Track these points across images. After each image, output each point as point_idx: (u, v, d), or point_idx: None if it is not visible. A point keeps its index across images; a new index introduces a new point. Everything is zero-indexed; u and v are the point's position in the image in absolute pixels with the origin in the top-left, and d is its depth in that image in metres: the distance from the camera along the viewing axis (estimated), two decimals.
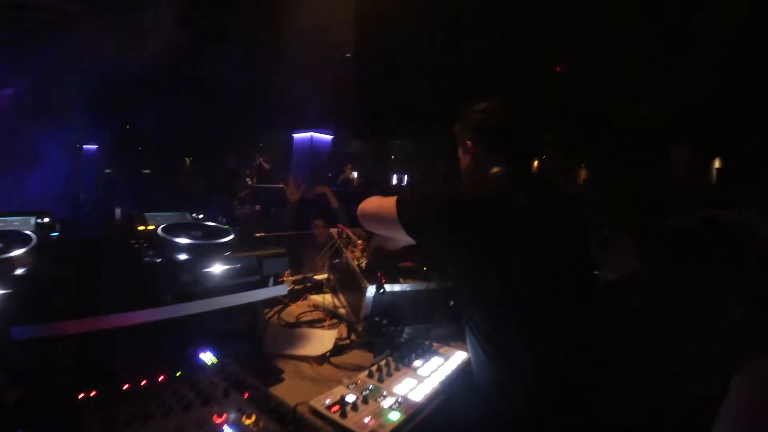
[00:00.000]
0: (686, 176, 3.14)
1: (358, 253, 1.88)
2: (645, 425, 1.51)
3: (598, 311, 1.48)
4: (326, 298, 2.04)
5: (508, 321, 1.28)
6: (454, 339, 1.69)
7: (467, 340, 1.41)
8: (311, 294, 2.16)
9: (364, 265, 1.80)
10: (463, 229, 1.29)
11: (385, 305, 1.65)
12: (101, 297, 1.13)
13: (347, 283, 1.86)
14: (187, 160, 13.50)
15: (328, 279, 2.20)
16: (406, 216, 1.39)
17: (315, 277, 2.31)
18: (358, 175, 13.48)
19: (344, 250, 1.92)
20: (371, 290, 1.59)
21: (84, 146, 11.76)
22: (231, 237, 1.52)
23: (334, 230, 2.10)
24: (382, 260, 1.76)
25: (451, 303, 1.72)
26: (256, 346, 1.50)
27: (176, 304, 1.22)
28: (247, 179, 10.37)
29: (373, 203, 1.58)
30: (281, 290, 1.49)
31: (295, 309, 2.06)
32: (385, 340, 1.58)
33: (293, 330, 1.78)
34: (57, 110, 8.17)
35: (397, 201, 1.42)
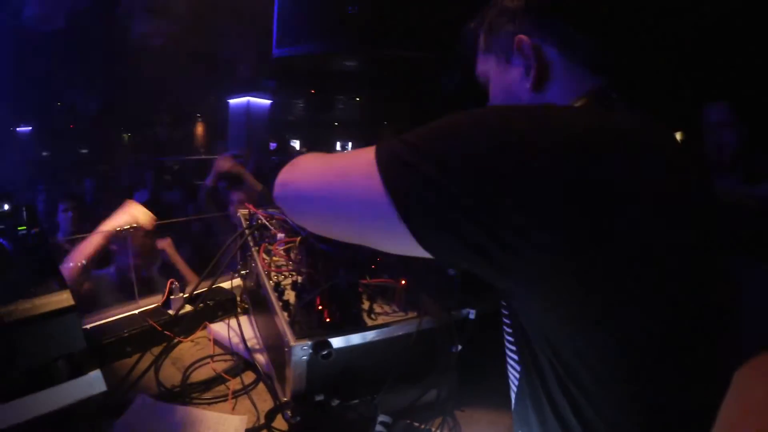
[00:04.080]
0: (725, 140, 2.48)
1: (278, 259, 1.03)
2: None
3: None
4: (234, 326, 1.17)
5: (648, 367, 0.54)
6: (470, 404, 0.96)
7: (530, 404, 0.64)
8: (215, 319, 1.30)
9: (290, 283, 0.96)
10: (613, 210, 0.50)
11: (339, 368, 0.82)
12: None
13: (263, 312, 1.02)
14: (125, 136, 12.25)
15: (242, 291, 1.34)
16: (416, 196, 0.52)
17: (224, 285, 1.42)
18: (300, 144, 12.60)
19: (254, 252, 1.06)
20: (301, 353, 0.75)
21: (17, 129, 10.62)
22: None
23: (242, 212, 1.24)
24: (324, 273, 0.92)
25: (458, 347, 0.92)
26: None
27: None
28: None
29: (314, 167, 0.70)
30: (76, 390, 0.60)
31: (189, 349, 1.20)
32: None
33: (171, 413, 0.91)
34: None
35: (385, 158, 0.55)
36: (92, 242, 1.61)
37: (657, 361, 0.52)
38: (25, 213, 0.86)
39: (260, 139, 10.21)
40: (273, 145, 11.43)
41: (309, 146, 12.02)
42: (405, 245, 0.55)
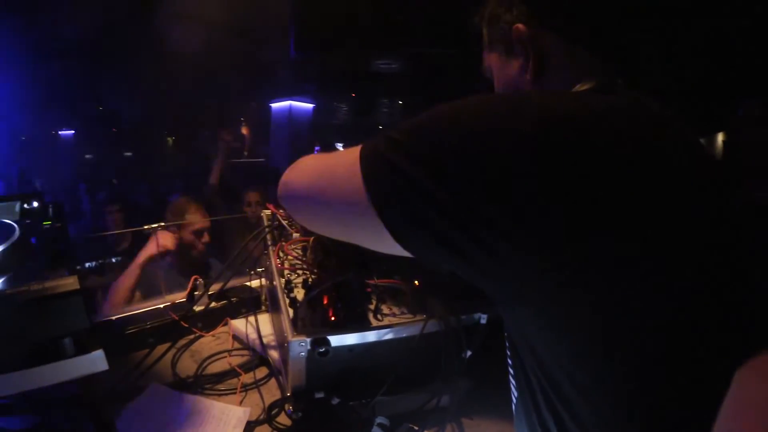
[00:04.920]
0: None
1: (292, 259, 1.05)
2: None
3: None
4: (255, 324, 1.20)
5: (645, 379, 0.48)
6: (479, 411, 0.94)
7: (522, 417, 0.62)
8: (237, 316, 1.33)
9: (301, 281, 0.98)
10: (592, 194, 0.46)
11: (340, 366, 0.83)
12: None
13: (276, 309, 1.04)
14: (170, 140, 12.44)
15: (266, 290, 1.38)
16: (394, 196, 0.51)
17: (250, 284, 1.46)
18: (344, 146, 12.74)
19: (270, 250, 1.09)
20: (299, 349, 0.76)
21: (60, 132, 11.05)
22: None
23: (265, 212, 1.27)
24: (334, 271, 0.93)
25: (468, 354, 0.90)
26: None
27: None
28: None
29: (310, 168, 0.70)
30: (78, 366, 0.63)
31: (209, 343, 1.24)
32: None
33: (180, 401, 0.95)
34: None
35: (367, 156, 0.55)
36: (129, 274, 1.83)
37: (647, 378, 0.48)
38: (51, 210, 0.93)
39: (303, 142, 10.37)
40: (317, 149, 11.59)
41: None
42: (388, 244, 0.54)
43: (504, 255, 0.47)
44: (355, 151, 0.56)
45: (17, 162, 7.97)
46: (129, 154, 11.13)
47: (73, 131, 10.85)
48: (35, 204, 0.96)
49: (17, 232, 0.74)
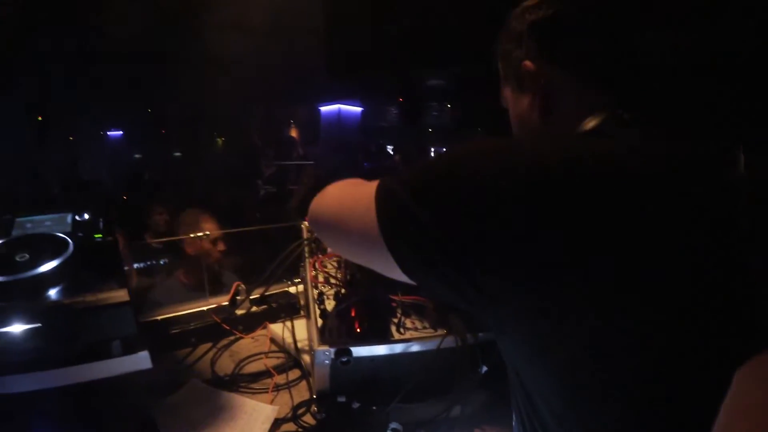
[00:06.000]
0: None
1: (327, 271, 1.14)
2: None
3: None
4: (291, 328, 1.30)
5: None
6: (492, 424, 0.98)
7: None
8: (276, 320, 1.44)
9: (333, 293, 1.06)
10: (574, 240, 0.49)
11: (362, 374, 0.91)
12: None
13: (309, 317, 1.13)
14: (219, 141, 12.75)
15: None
16: (398, 234, 0.57)
17: (292, 290, 1.56)
18: (394, 148, 12.72)
19: (306, 262, 1.18)
20: (323, 357, 0.84)
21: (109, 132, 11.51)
22: (55, 263, 0.79)
23: (305, 224, 1.36)
24: (363, 286, 1.01)
25: (484, 369, 0.96)
26: None
27: None
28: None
29: (334, 196, 0.76)
30: (126, 364, 0.75)
31: (248, 345, 1.34)
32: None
33: (214, 397, 1.06)
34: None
35: (380, 192, 0.60)
36: None
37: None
38: (102, 223, 1.01)
39: (352, 144, 10.51)
40: (366, 150, 11.69)
41: (402, 151, 12.10)
42: (398, 274, 0.60)
43: (491, 292, 0.52)
44: (373, 186, 0.62)
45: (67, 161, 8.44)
46: (178, 154, 11.29)
47: (122, 132, 11.27)
48: (86, 216, 1.03)
49: (71, 247, 0.85)
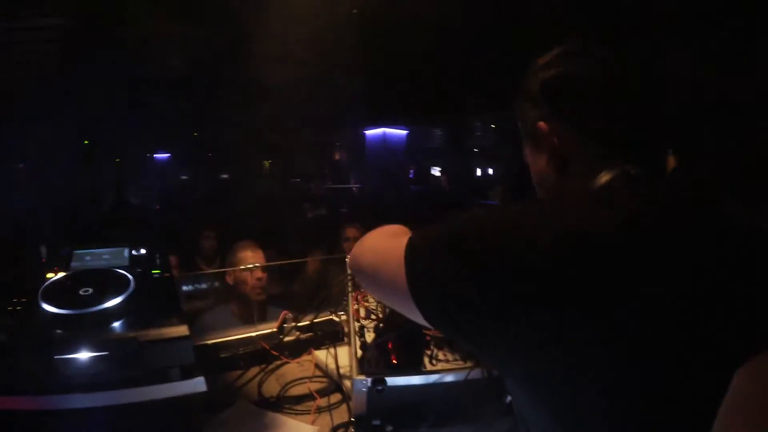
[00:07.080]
0: None
1: (368, 305, 1.24)
2: None
3: None
4: (335, 355, 1.41)
5: None
6: None
7: None
8: (320, 347, 1.55)
9: (373, 326, 1.16)
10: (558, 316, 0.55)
11: (396, 402, 1.00)
12: None
13: (351, 346, 1.23)
14: (266, 163, 13.08)
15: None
16: (422, 289, 0.65)
17: (336, 317, 1.67)
18: (441, 170, 12.62)
19: (350, 295, 1.29)
20: (361, 385, 0.95)
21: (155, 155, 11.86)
22: (119, 299, 0.91)
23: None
24: (400, 322, 1.11)
25: (508, 399, 1.04)
26: None
27: None
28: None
29: (370, 248, 0.85)
30: (184, 387, 0.87)
31: (293, 369, 1.46)
32: None
33: (260, 416, 1.17)
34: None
35: (409, 252, 0.67)
36: None
37: None
38: (158, 259, 1.10)
39: (397, 167, 10.57)
40: (412, 173, 11.78)
41: (448, 173, 11.99)
42: (425, 322, 0.68)
43: (494, 341, 0.60)
44: (404, 243, 0.68)
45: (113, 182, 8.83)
46: (225, 176, 11.56)
47: (169, 154, 11.57)
48: (142, 251, 1.12)
49: (132, 285, 0.95)
